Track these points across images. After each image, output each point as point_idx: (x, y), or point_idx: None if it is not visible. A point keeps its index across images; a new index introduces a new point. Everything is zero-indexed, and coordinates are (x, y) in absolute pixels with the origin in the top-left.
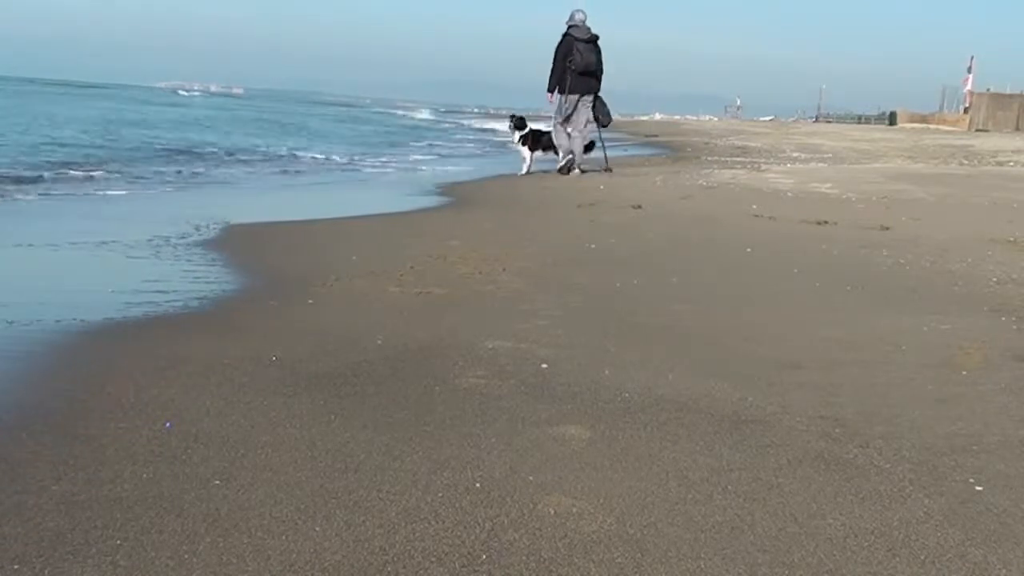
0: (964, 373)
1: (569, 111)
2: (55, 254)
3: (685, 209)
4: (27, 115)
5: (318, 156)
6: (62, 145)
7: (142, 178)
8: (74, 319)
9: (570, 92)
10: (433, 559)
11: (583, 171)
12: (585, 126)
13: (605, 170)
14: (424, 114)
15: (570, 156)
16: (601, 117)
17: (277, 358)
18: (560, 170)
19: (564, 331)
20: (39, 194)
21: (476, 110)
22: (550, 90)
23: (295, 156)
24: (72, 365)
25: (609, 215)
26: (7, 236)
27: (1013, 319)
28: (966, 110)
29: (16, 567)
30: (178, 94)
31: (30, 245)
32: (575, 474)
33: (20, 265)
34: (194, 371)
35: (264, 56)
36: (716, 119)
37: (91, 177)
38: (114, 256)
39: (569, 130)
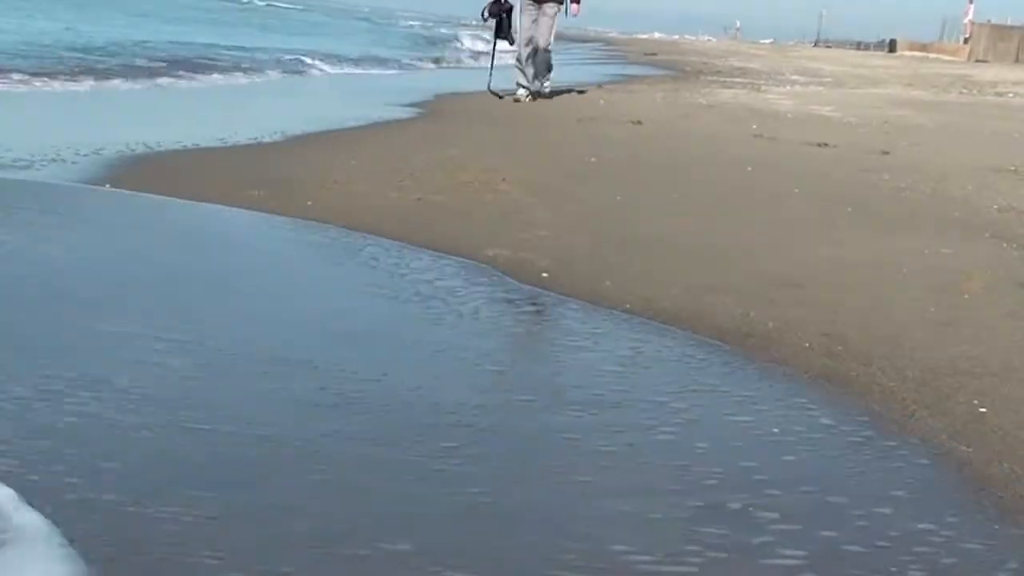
0: (966, 297)
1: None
2: None
3: (685, 126)
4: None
5: None
6: None
7: None
8: None
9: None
10: None
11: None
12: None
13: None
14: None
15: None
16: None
17: None
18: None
19: (564, 242)
20: None
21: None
22: None
23: None
24: None
25: (609, 130)
26: None
27: (1015, 246)
28: (966, 40)
29: None
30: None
31: None
32: None
33: None
34: None
35: None
36: (715, 40)
37: None
38: None
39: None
